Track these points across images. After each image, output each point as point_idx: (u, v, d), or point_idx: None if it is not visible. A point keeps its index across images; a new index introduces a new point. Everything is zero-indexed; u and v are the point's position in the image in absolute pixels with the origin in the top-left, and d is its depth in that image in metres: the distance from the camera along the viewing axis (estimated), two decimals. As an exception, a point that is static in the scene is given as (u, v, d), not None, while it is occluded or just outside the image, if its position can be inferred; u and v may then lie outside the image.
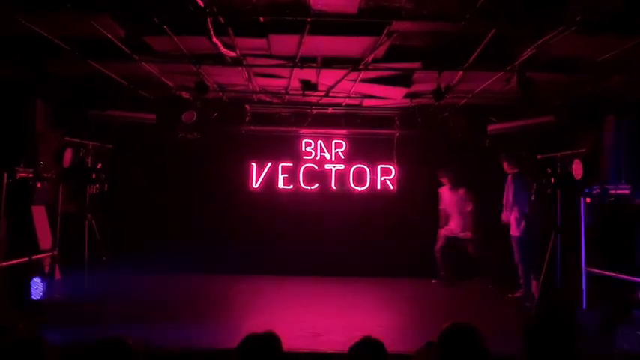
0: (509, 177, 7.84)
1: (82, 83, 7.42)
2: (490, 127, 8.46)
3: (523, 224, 7.53)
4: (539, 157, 7.90)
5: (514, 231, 7.64)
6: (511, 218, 7.70)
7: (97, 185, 7.79)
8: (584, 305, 6.09)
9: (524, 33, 5.30)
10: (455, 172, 8.67)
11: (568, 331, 2.71)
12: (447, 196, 8.69)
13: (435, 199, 8.86)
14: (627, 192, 5.80)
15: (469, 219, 8.47)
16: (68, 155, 7.20)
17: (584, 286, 6.14)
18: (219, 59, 6.07)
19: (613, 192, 6.06)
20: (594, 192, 6.25)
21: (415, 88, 7.35)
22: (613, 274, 5.86)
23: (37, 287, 5.80)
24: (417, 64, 6.27)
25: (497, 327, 5.26)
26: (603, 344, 5.27)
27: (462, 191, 8.57)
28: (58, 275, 6.85)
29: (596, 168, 6.78)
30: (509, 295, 7.64)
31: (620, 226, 6.43)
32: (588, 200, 6.40)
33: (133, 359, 2.63)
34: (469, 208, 8.48)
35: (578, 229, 6.44)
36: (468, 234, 8.45)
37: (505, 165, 7.94)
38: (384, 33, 5.25)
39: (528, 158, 8.11)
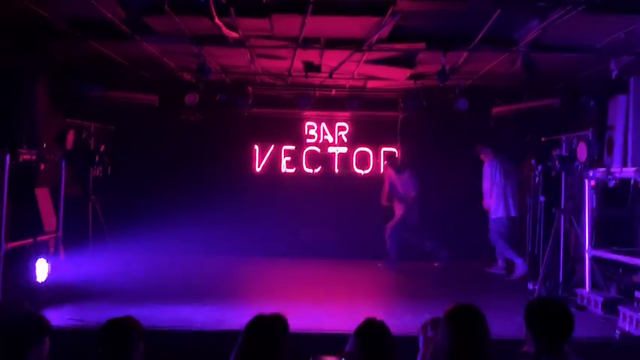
0: (485, 165, 8.26)
1: (83, 64, 7.38)
2: (495, 109, 8.45)
3: (501, 207, 8.01)
4: (543, 139, 7.85)
5: (493, 214, 8.12)
6: (490, 203, 8.17)
7: (101, 167, 7.78)
8: (587, 287, 6.09)
9: (529, 13, 5.23)
10: (398, 160, 9.07)
11: (569, 313, 2.71)
12: (393, 177, 8.81)
13: (439, 181, 8.95)
14: (632, 174, 5.75)
15: (411, 196, 8.66)
16: (71, 137, 7.17)
17: (587, 268, 6.13)
18: (221, 40, 6.01)
19: (618, 175, 6.02)
20: (599, 174, 6.21)
21: (419, 69, 7.29)
22: (616, 256, 5.84)
23: (42, 268, 5.82)
24: (421, 45, 6.20)
25: (500, 308, 5.30)
26: (606, 326, 5.28)
27: (406, 174, 8.70)
28: (62, 256, 6.88)
29: (602, 150, 6.74)
30: (486, 269, 8.23)
31: (624, 207, 6.40)
32: (593, 183, 6.37)
33: (136, 341, 2.65)
34: (413, 193, 8.65)
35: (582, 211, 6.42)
36: (400, 209, 8.59)
37: (482, 155, 8.33)
38: (388, 13, 5.17)
39: (532, 140, 8.15)
